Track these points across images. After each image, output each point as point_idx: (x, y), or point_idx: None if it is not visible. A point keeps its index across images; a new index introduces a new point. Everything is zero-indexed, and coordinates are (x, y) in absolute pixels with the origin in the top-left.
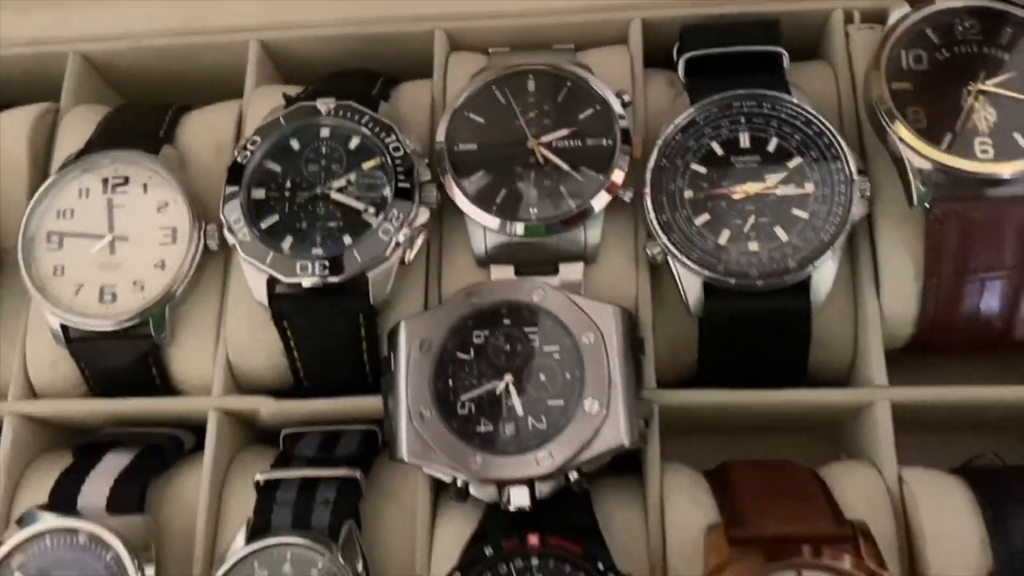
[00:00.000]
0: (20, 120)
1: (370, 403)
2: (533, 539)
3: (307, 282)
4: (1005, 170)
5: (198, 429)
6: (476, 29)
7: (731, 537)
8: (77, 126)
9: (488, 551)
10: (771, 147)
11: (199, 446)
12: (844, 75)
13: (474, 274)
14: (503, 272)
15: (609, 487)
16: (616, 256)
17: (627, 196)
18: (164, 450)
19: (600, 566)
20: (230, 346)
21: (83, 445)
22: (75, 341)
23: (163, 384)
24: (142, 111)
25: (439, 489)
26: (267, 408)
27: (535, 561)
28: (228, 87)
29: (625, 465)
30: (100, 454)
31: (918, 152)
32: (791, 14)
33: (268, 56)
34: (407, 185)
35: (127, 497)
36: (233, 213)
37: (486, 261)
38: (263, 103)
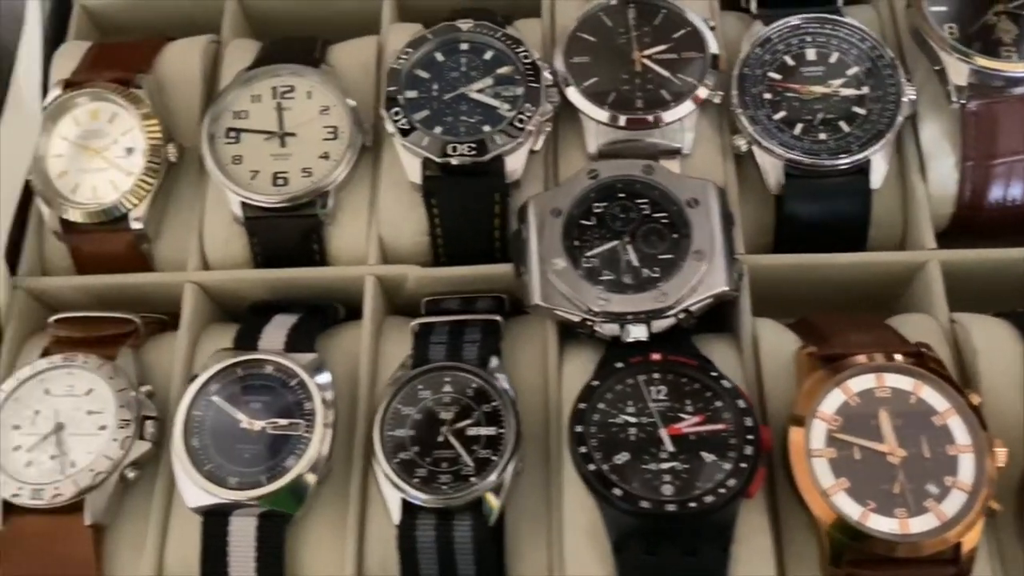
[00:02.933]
0: (193, 45)
1: (501, 270)
2: (656, 355)
3: (456, 160)
4: None
5: (349, 304)
6: None
7: (820, 355)
8: (239, 54)
9: (620, 365)
10: (832, 60)
11: (350, 317)
12: (885, 12)
13: None
14: None
15: (708, 338)
16: (707, 151)
17: (716, 98)
18: (325, 312)
19: (713, 373)
20: (382, 224)
21: (254, 306)
22: (251, 219)
23: (321, 260)
24: (297, 39)
25: (564, 336)
26: (415, 273)
27: (657, 374)
28: (360, 32)
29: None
30: (270, 314)
31: (954, 56)
32: None
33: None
34: (536, 85)
35: (302, 341)
36: (393, 108)
37: (597, 157)
38: (400, 36)
